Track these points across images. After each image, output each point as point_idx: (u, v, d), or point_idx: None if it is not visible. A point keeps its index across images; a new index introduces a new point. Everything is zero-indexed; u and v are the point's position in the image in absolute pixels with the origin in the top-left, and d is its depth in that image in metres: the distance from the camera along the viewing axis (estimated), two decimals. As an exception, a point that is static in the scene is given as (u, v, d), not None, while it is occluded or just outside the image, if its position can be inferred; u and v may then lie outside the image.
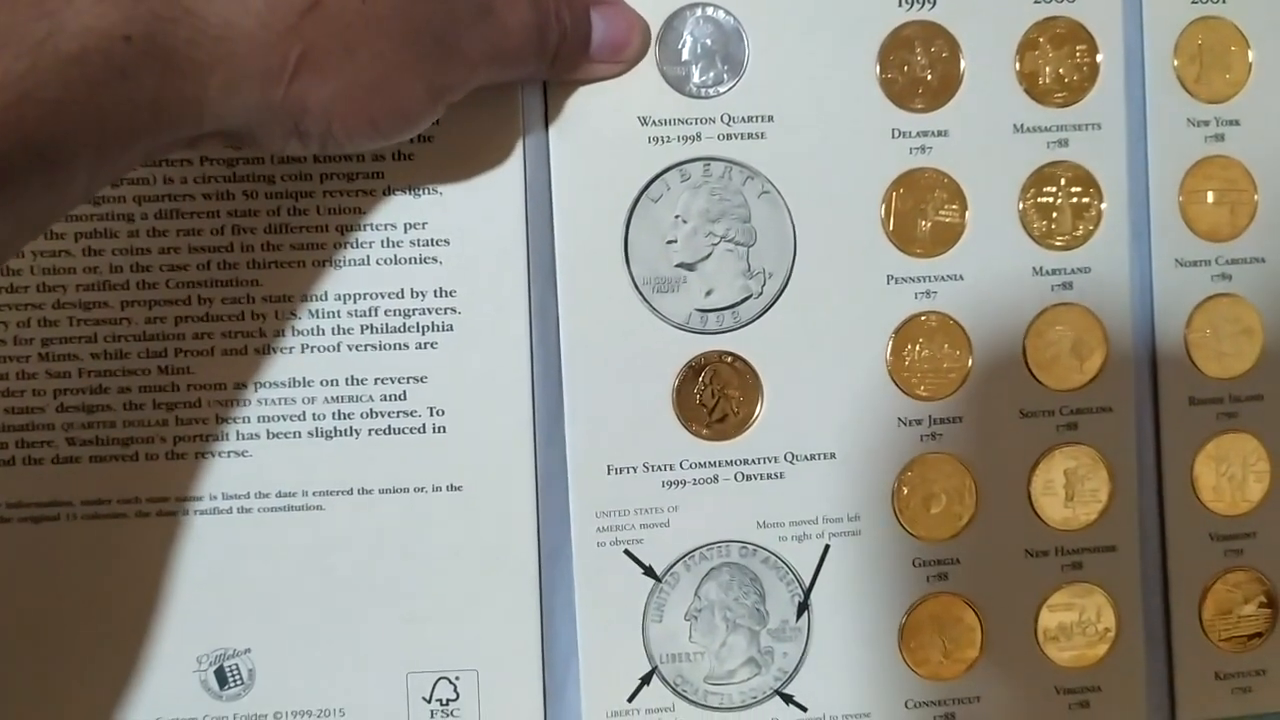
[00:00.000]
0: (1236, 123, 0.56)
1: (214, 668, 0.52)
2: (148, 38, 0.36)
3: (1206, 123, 0.56)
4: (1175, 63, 0.55)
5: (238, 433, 0.51)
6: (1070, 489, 0.54)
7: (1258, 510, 0.56)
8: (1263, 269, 0.55)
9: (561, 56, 0.49)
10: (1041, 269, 0.54)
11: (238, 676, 0.52)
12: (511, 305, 0.52)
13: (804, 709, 0.53)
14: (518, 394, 0.52)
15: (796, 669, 0.54)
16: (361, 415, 0.52)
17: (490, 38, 0.45)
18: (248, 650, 0.52)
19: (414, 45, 0.42)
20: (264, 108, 0.40)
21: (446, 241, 0.51)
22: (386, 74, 0.42)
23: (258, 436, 0.51)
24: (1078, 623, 0.55)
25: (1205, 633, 0.55)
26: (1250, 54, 0.55)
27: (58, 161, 0.36)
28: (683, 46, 0.52)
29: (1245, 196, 0.56)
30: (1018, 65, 0.54)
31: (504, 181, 0.52)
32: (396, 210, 0.51)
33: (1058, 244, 0.54)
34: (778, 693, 0.54)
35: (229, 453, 0.51)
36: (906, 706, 0.54)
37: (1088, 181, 0.54)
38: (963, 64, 0.53)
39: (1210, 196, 0.56)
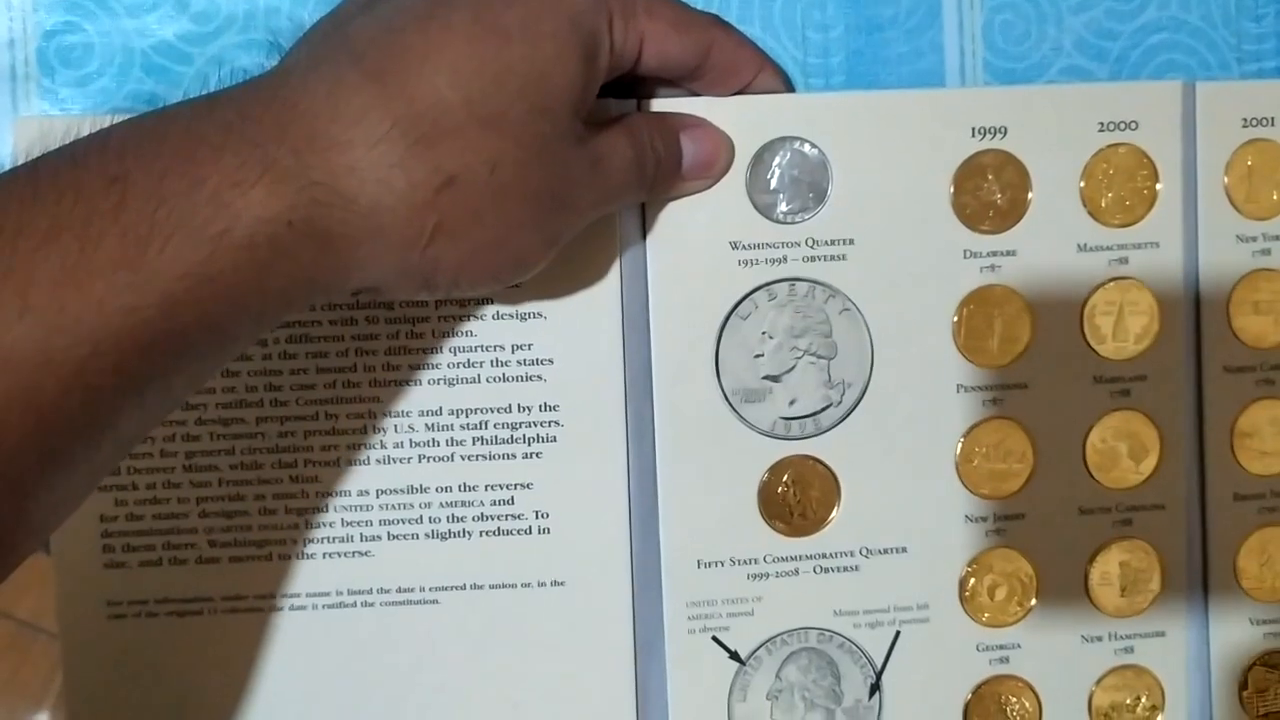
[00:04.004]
0: (1282, 237, 0.58)
1: (341, 747, 0.55)
2: (307, 221, 0.41)
3: (1254, 239, 0.59)
4: (1226, 181, 0.58)
5: (361, 535, 0.56)
6: (1125, 580, 0.58)
7: (1292, 595, 0.59)
8: (1306, 369, 0.58)
9: (658, 182, 0.53)
10: (1102, 377, 0.58)
11: (361, 754, 0.55)
12: (609, 418, 0.56)
13: (875, 781, 0.57)
14: (615, 498, 0.56)
15: (867, 745, 0.57)
16: (473, 518, 0.56)
17: (599, 185, 0.48)
18: (370, 731, 0.55)
19: (535, 206, 0.47)
20: (401, 270, 0.45)
21: (550, 361, 0.56)
22: (509, 233, 0.47)
23: (379, 538, 0.56)
24: (1128, 702, 0.59)
25: (1244, 709, 0.59)
26: (1298, 173, 0.57)
27: (227, 331, 0.42)
28: (771, 177, 0.56)
29: (1287, 305, 0.58)
30: (1082, 189, 0.57)
31: (603, 305, 0.56)
32: (504, 332, 0.55)
33: (1117, 354, 0.57)
34: (850, 766, 0.57)
35: (354, 553, 0.56)
36: (969, 780, 0.58)
37: (1145, 295, 0.58)
38: (1030, 189, 0.56)
39: (1257, 306, 0.58)
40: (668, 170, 0.54)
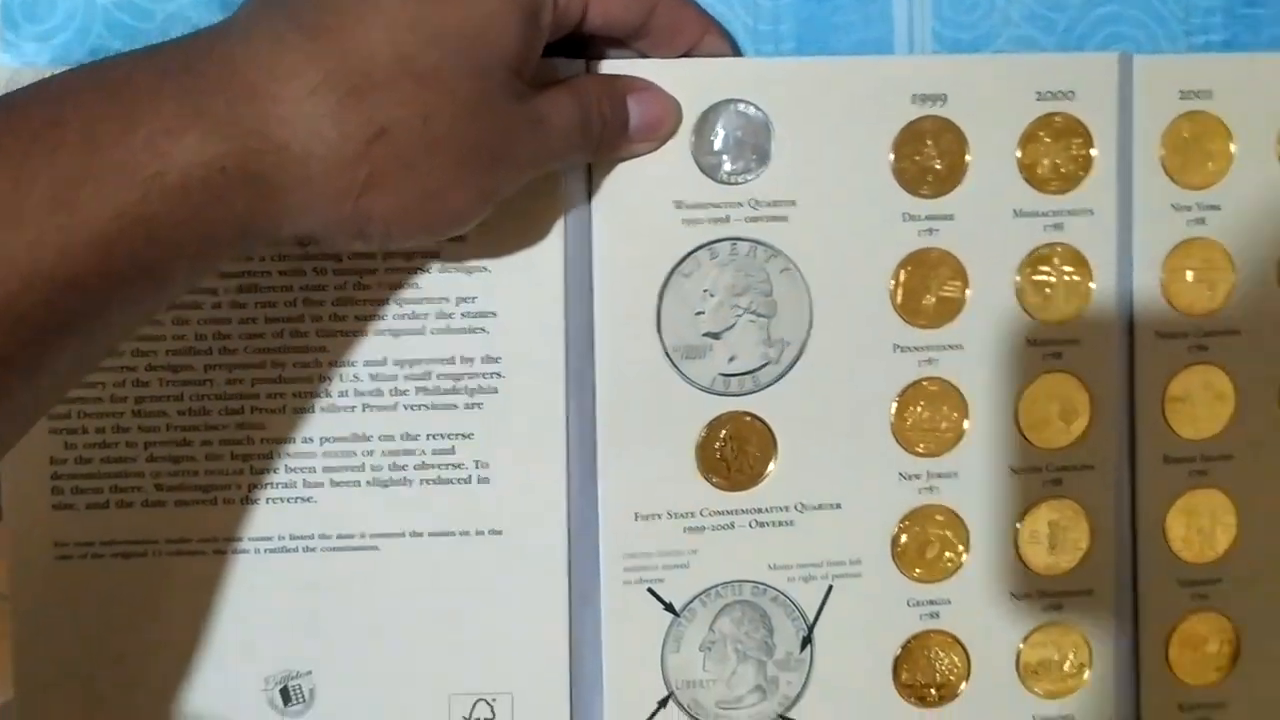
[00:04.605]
0: (1217, 207, 0.60)
1: (279, 687, 0.58)
2: (240, 167, 0.42)
3: (1189, 208, 0.60)
4: (1161, 153, 0.59)
5: (304, 481, 0.57)
6: (1053, 539, 0.59)
7: (1224, 559, 0.61)
8: (1237, 340, 0.60)
9: (604, 143, 0.54)
10: (1035, 339, 0.59)
11: (300, 695, 0.57)
12: (550, 371, 0.57)
13: (805, 731, 0.59)
14: (553, 450, 0.57)
15: (799, 696, 0.60)
16: (414, 467, 0.57)
17: (539, 144, 0.49)
18: (309, 672, 0.58)
19: (469, 161, 0.47)
20: (333, 220, 0.46)
21: (494, 314, 0.57)
22: (442, 186, 0.47)
23: (322, 485, 0.57)
24: (1056, 659, 0.60)
25: (1171, 669, 0.61)
26: (1232, 145, 0.60)
27: (161, 273, 0.43)
28: (715, 138, 0.57)
29: (1223, 275, 0.61)
30: (1019, 156, 0.58)
31: (546, 260, 0.57)
32: (449, 285, 0.56)
33: (1051, 317, 0.59)
34: (781, 717, 0.60)
35: (297, 499, 0.57)
36: (896, 731, 0.59)
37: (1079, 261, 0.59)
38: (969, 155, 0.58)
39: (1190, 275, 0.60)
40: (614, 132, 0.54)
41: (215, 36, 0.44)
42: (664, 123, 0.56)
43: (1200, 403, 0.61)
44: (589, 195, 0.57)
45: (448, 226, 0.50)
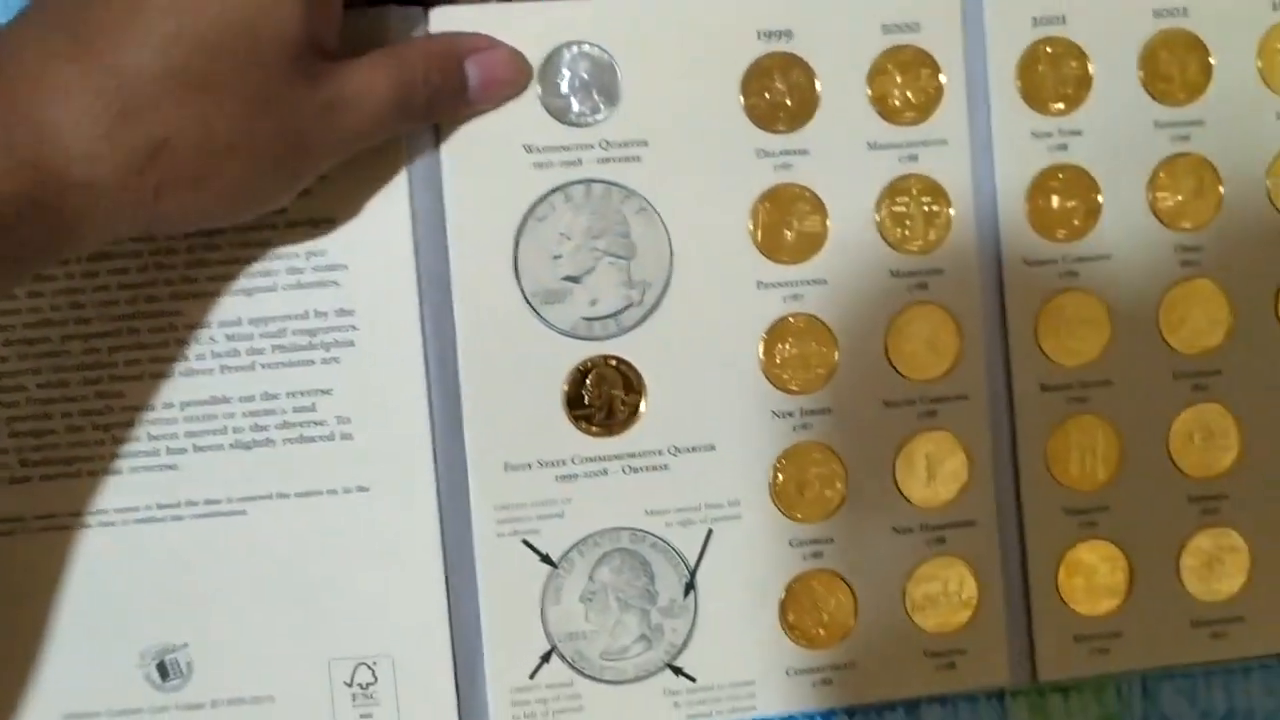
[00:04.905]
0: (1079, 133, 0.61)
1: (156, 662, 0.57)
2: (28, 198, 0.43)
3: (1050, 134, 0.61)
4: (1018, 81, 0.59)
5: (167, 448, 0.56)
6: (931, 471, 0.59)
7: (1110, 485, 0.61)
8: (1108, 264, 0.60)
9: (435, 111, 0.54)
10: (899, 271, 0.59)
11: (178, 669, 0.57)
12: (404, 322, 0.57)
13: (693, 679, 0.58)
14: (415, 401, 0.57)
15: (685, 643, 0.59)
16: (276, 426, 0.57)
17: (344, 125, 0.49)
18: (185, 645, 0.57)
19: (264, 154, 0.47)
20: (138, 225, 0.47)
21: (345, 266, 0.56)
22: (240, 181, 0.48)
23: (185, 450, 0.57)
24: (943, 592, 0.60)
25: (1063, 599, 0.60)
26: (1090, 67, 0.60)
27: None
28: (561, 80, 0.57)
29: (1090, 199, 0.60)
30: (869, 89, 0.58)
31: (391, 210, 0.57)
32: (299, 241, 0.56)
33: (912, 249, 0.58)
34: (668, 665, 0.59)
35: (160, 466, 0.57)
36: (787, 674, 0.59)
37: (936, 191, 0.59)
38: (818, 89, 0.58)
39: (1056, 201, 0.60)
40: (447, 98, 0.53)
41: None
42: (507, 83, 0.56)
43: (1075, 329, 0.61)
44: (437, 143, 0.57)
45: (258, 210, 0.50)
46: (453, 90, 0.53)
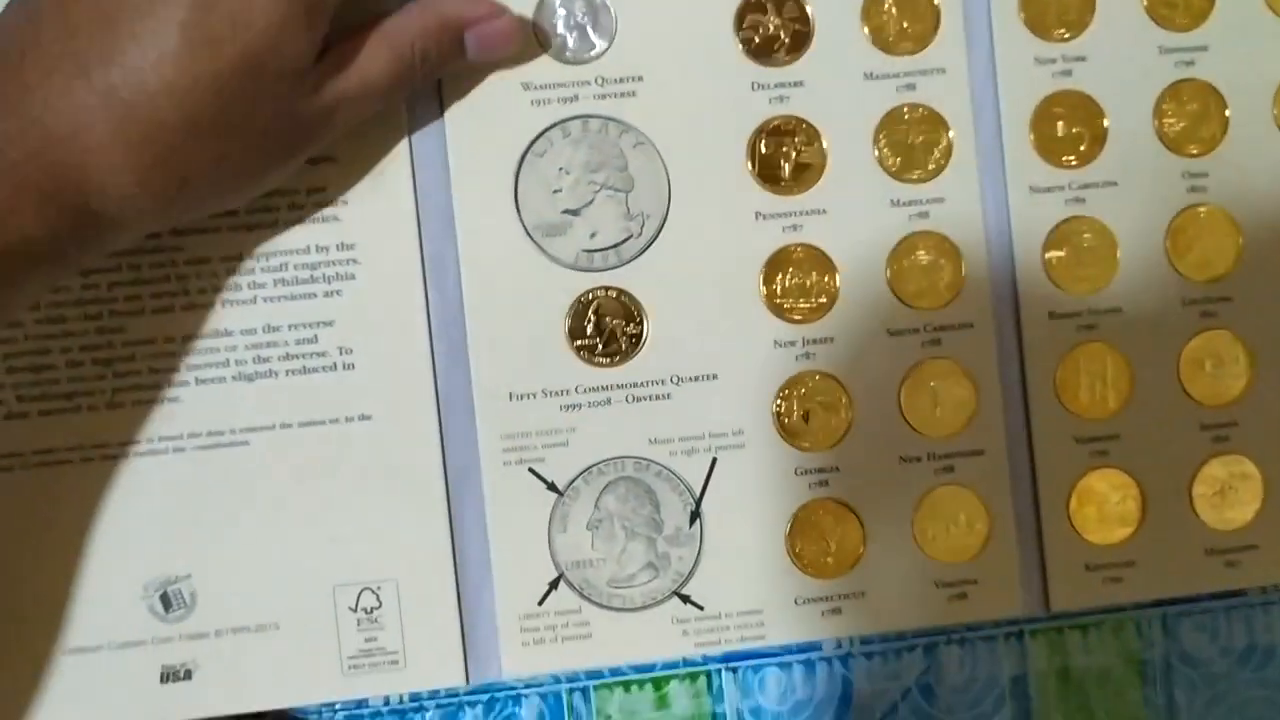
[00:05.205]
0: (1083, 58, 0.61)
1: (159, 593, 0.57)
2: (65, 237, 0.47)
3: (1054, 60, 0.61)
4: (1021, 11, 0.60)
5: (169, 381, 0.57)
6: (937, 400, 0.58)
7: (1120, 414, 0.60)
8: (1115, 191, 0.60)
9: (434, 73, 0.55)
10: (899, 200, 0.59)
11: (181, 600, 0.57)
12: (405, 255, 0.58)
13: (700, 608, 0.58)
14: (416, 333, 0.58)
15: (692, 572, 0.58)
16: (278, 358, 0.57)
17: (346, 118, 0.52)
18: (189, 575, 0.57)
19: (272, 163, 0.51)
20: (160, 229, 0.54)
21: (345, 201, 0.57)
22: (252, 185, 0.53)
23: (187, 383, 0.57)
24: (952, 522, 0.59)
25: (1075, 528, 0.59)
26: (1093, -9, 0.58)
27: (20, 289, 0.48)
28: (557, 19, 0.58)
29: (1095, 125, 0.60)
30: (864, 21, 0.59)
31: (390, 146, 0.58)
32: (298, 176, 0.56)
33: (912, 178, 0.58)
34: (676, 593, 0.58)
35: (162, 399, 0.57)
36: (795, 603, 0.59)
37: (936, 120, 0.59)
38: (812, 21, 0.58)
39: (1060, 127, 0.60)
40: (445, 61, 0.54)
41: (16, 94, 0.46)
42: (506, 45, 0.56)
43: (1083, 256, 0.60)
44: (437, 81, 0.57)
45: (270, 186, 0.53)
46: (451, 54, 0.54)
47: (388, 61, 0.51)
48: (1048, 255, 0.60)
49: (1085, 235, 0.60)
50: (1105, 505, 0.60)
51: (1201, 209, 0.60)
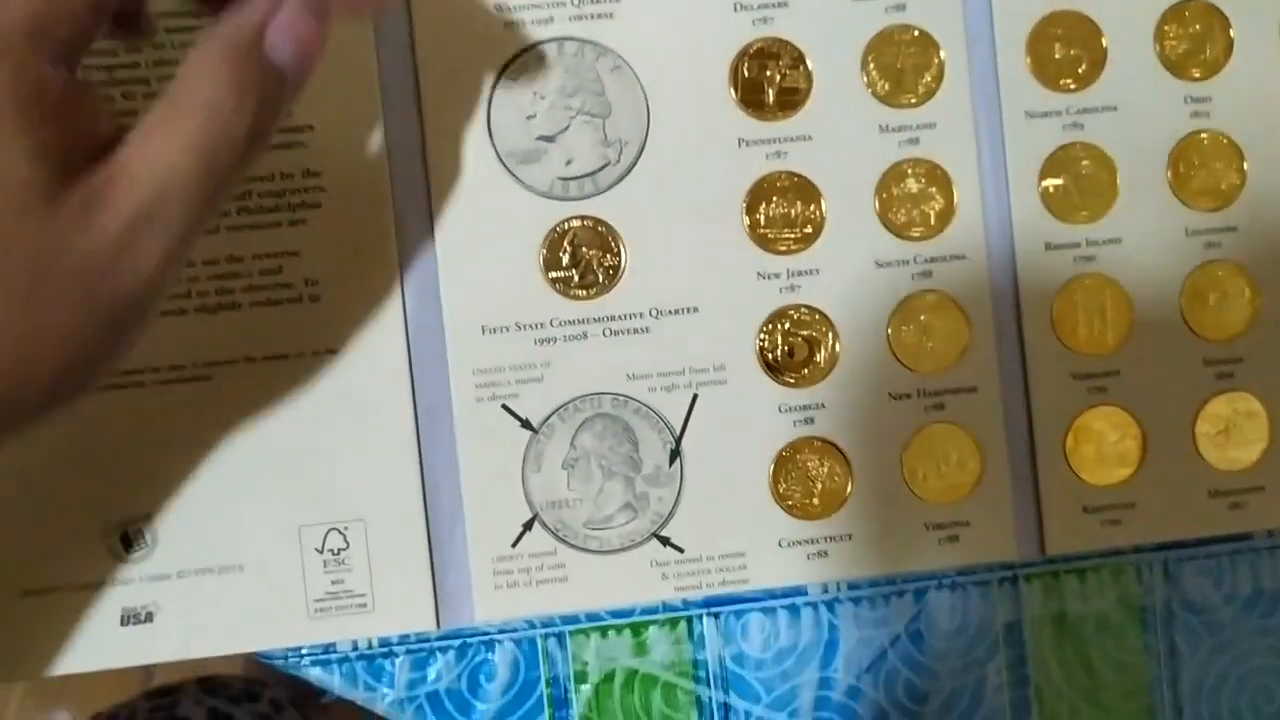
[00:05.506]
0: (1080, -20, 0.56)
1: (119, 533, 0.55)
2: None
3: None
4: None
5: (128, 312, 0.53)
6: (928, 334, 0.56)
7: (1120, 349, 0.57)
8: (1115, 117, 0.58)
9: (261, 135, 0.40)
10: (888, 126, 0.56)
11: (142, 540, 0.55)
12: (373, 182, 0.55)
13: (680, 550, 0.56)
14: (384, 262, 0.55)
15: (672, 513, 0.56)
16: (242, 289, 0.55)
17: (148, 235, 0.38)
18: (149, 515, 0.55)
19: (71, 345, 0.38)
20: None
21: (311, 127, 0.55)
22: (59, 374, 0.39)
23: (147, 315, 0.53)
24: (943, 461, 0.56)
25: (1072, 468, 0.57)
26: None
27: None
28: (529, -64, 0.54)
29: (1094, 47, 0.58)
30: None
31: (358, 69, 0.56)
32: (264, 98, 0.53)
33: (902, 102, 0.56)
34: (655, 535, 0.56)
35: (121, 331, 0.53)
36: (780, 545, 0.56)
37: (927, 42, 0.57)
38: (798, -60, 0.55)
39: (1058, 49, 0.58)
40: (269, 110, 0.41)
41: None
42: (315, 41, 0.42)
43: (1081, 183, 0.58)
44: (406, 1, 0.55)
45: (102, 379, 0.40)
46: (273, 94, 0.40)
47: (185, 140, 0.38)
48: (1044, 183, 0.57)
49: (1084, 162, 0.57)
50: (1104, 444, 0.58)
51: (1204, 135, 0.58)
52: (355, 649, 0.57)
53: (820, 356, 0.56)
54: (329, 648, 0.57)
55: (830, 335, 0.56)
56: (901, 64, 0.56)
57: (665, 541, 0.56)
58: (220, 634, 0.56)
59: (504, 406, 0.55)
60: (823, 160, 0.57)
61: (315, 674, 0.56)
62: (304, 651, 0.57)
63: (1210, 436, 0.58)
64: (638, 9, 0.56)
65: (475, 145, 0.56)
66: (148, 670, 1.00)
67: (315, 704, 0.64)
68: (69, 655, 0.55)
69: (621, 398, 0.56)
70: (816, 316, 0.56)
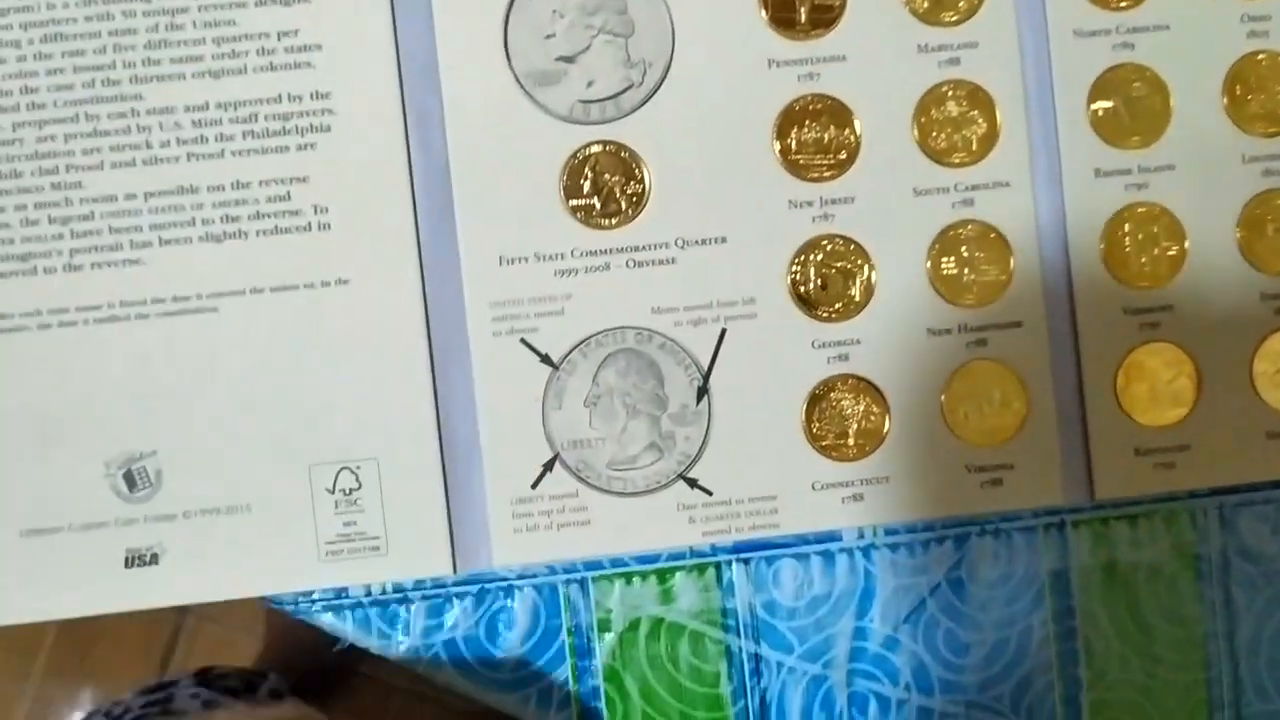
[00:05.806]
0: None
1: (122, 471, 0.53)
2: None
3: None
4: None
5: (130, 242, 0.53)
6: (970, 265, 0.53)
7: (1173, 282, 0.54)
8: (1167, 35, 0.55)
9: None
10: (927, 46, 0.53)
11: (146, 479, 0.53)
12: (384, 104, 0.53)
13: (709, 493, 0.53)
14: (397, 188, 0.53)
15: (699, 454, 0.54)
16: (249, 217, 0.53)
17: None
18: (154, 452, 0.53)
19: None
20: None
21: (319, 46, 0.53)
22: None
23: (150, 244, 0.53)
24: (986, 401, 0.53)
25: (1123, 408, 0.54)
26: None
27: None
28: None
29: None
30: None
31: (369, -14, 0.51)
32: (269, 20, 0.53)
33: (943, 20, 0.53)
34: (682, 477, 0.54)
35: (124, 261, 0.53)
36: (813, 489, 0.54)
37: (968, -43, 0.53)
38: None
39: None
40: None
41: None
42: None
43: (1134, 108, 0.55)
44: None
45: None
46: None
47: None
48: (1093, 106, 0.54)
49: (1135, 84, 0.54)
50: (1157, 383, 0.55)
51: (1261, 56, 0.55)
52: (369, 594, 0.55)
53: (855, 289, 0.53)
54: (341, 593, 0.55)
55: (866, 267, 0.53)
56: (939, -19, 0.52)
57: (692, 483, 0.53)
58: (227, 577, 0.54)
59: (523, 341, 0.53)
60: (858, 82, 0.54)
61: (327, 620, 0.54)
62: (315, 597, 0.55)
63: (1269, 375, 0.55)
64: (663, -78, 0.51)
65: (491, 66, 0.54)
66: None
67: (318, 692, 0.62)
68: (71, 598, 0.54)
69: (646, 332, 0.53)
70: (851, 247, 0.53)
